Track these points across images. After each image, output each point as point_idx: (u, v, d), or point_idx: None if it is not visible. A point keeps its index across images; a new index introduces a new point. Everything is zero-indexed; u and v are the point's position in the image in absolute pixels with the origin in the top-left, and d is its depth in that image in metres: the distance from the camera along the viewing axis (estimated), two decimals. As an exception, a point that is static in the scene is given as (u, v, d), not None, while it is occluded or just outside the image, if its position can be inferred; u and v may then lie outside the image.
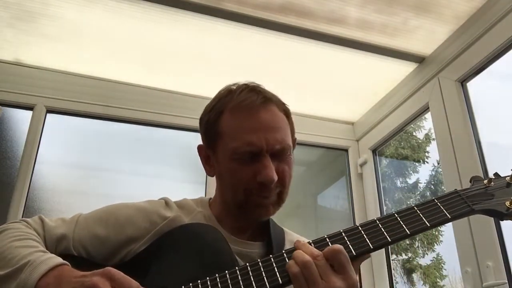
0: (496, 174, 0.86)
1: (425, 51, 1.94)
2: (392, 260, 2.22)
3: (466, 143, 1.68)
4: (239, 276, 0.74)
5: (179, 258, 0.84)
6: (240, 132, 0.89)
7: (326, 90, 2.22)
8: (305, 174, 2.50)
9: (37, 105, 1.96)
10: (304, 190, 2.45)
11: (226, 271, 0.76)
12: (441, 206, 0.78)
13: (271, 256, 0.76)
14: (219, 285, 0.74)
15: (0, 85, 1.94)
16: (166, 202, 0.97)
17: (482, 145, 1.66)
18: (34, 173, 1.86)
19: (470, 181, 0.86)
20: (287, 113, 0.96)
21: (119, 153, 2.15)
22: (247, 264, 0.76)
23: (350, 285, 0.71)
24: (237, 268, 0.76)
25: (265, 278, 0.73)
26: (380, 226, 0.79)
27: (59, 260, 0.76)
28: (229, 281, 0.74)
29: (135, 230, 0.90)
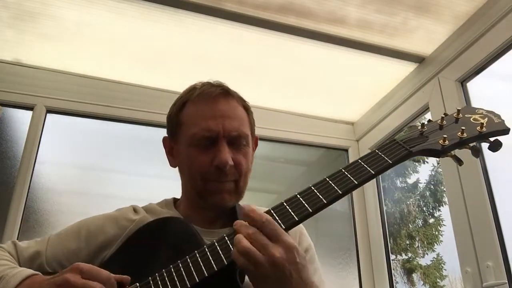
0: (429, 120, 0.92)
1: (425, 51, 1.94)
2: (392, 260, 2.22)
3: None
4: (190, 264, 0.76)
5: (148, 252, 0.86)
6: (199, 119, 0.94)
7: (326, 90, 2.22)
8: (305, 174, 2.50)
9: (37, 105, 1.96)
10: (304, 190, 2.45)
11: (179, 261, 0.78)
12: (382, 155, 0.82)
13: (215, 240, 0.78)
14: (175, 274, 0.77)
15: (0, 85, 1.94)
16: (134, 208, 1.01)
17: (482, 145, 1.66)
18: (34, 173, 1.86)
19: (407, 129, 0.90)
20: (247, 108, 1.02)
21: (119, 153, 2.14)
22: (196, 251, 0.78)
23: (287, 248, 0.71)
24: (187, 256, 0.78)
25: (212, 261, 0.75)
26: (331, 182, 0.80)
27: (31, 271, 0.81)
28: (182, 269, 0.76)
29: (106, 237, 0.94)
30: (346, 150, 2.44)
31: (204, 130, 0.93)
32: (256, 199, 2.14)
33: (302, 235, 1.05)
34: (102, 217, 1.00)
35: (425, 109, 1.97)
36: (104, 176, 2.10)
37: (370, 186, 2.26)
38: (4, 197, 1.79)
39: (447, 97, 1.81)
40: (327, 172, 0.82)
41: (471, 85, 1.77)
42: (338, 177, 0.80)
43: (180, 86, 2.39)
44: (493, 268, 1.48)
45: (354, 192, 2.32)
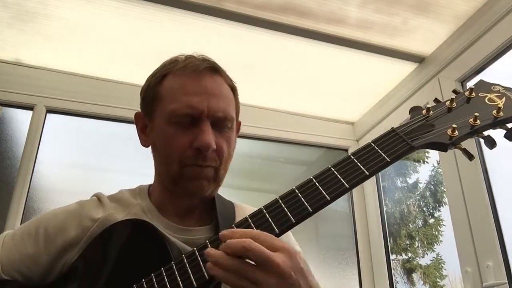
0: (436, 100, 0.78)
1: (425, 51, 1.94)
2: (392, 260, 2.22)
3: (466, 143, 1.68)
4: (165, 278, 0.69)
5: (112, 263, 0.78)
6: (181, 94, 0.83)
7: (326, 90, 2.22)
8: (305, 174, 2.49)
9: (37, 105, 1.96)
10: (304, 190, 2.45)
11: (153, 274, 0.70)
12: (378, 150, 0.70)
13: (184, 256, 0.70)
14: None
15: (0, 85, 1.94)
16: (99, 199, 0.90)
17: (482, 145, 1.66)
18: (34, 173, 1.86)
19: (409, 113, 0.77)
20: (233, 89, 0.91)
21: (119, 153, 2.14)
22: (173, 262, 0.71)
23: (289, 254, 0.62)
24: (162, 268, 0.71)
25: (191, 275, 0.67)
26: (318, 185, 0.70)
27: None
28: (155, 284, 0.69)
29: (67, 239, 0.82)
30: (346, 150, 2.44)
31: (186, 106, 0.81)
32: (256, 199, 2.13)
33: (289, 239, 0.97)
34: (62, 213, 0.87)
35: (425, 109, 1.97)
36: (104, 176, 2.10)
37: (370, 186, 2.26)
38: (4, 197, 1.79)
39: (447, 97, 1.81)
40: None
41: (471, 85, 1.77)
42: (326, 178, 0.70)
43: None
44: (493, 268, 1.48)
45: (354, 192, 2.32)
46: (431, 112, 0.74)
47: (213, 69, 0.87)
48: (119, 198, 0.91)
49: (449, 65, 1.82)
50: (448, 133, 0.71)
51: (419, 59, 1.99)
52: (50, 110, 2.00)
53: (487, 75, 1.72)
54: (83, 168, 2.07)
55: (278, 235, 0.67)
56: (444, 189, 1.84)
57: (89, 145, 2.09)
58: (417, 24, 1.78)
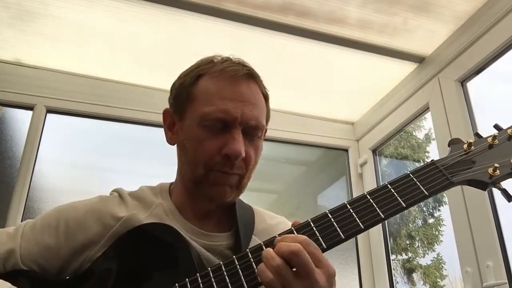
0: (477, 135, 0.78)
1: (425, 51, 1.94)
2: (392, 260, 2.22)
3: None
4: (201, 285, 0.67)
5: (135, 265, 0.77)
6: (217, 98, 0.82)
7: (326, 90, 2.22)
8: (305, 174, 2.50)
9: (37, 105, 1.96)
10: (304, 190, 2.45)
11: (187, 279, 0.69)
12: (417, 182, 0.69)
13: (234, 257, 0.69)
14: None
15: (0, 85, 1.94)
16: (120, 195, 0.89)
17: (482, 145, 1.66)
18: (34, 173, 1.86)
19: (449, 146, 0.77)
20: (266, 97, 0.91)
21: (119, 153, 2.14)
22: (209, 268, 0.69)
23: (329, 274, 0.63)
24: (198, 274, 0.69)
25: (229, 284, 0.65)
26: (352, 211, 0.69)
27: (6, 285, 0.72)
28: None
29: (88, 236, 0.82)
30: (346, 150, 2.44)
31: (220, 111, 0.80)
32: (256, 199, 2.14)
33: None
34: (83, 208, 0.86)
35: (425, 109, 1.97)
36: (104, 176, 2.10)
37: (370, 186, 2.26)
38: (4, 197, 1.79)
39: (447, 97, 1.81)
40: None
41: (471, 85, 1.77)
42: (361, 205, 0.69)
43: (180, 86, 2.38)
44: (493, 268, 1.48)
45: (354, 192, 2.32)
46: (472, 147, 0.74)
47: (251, 75, 0.87)
48: (140, 196, 0.90)
49: (449, 65, 1.82)
50: (489, 172, 0.70)
51: (419, 59, 1.99)
52: (50, 110, 2.00)
53: (487, 75, 1.72)
54: (83, 168, 2.07)
55: (324, 251, 0.67)
56: (444, 189, 1.84)
57: (89, 145, 2.10)
58: (417, 24, 1.77)
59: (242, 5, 1.68)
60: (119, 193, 0.90)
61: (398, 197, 0.68)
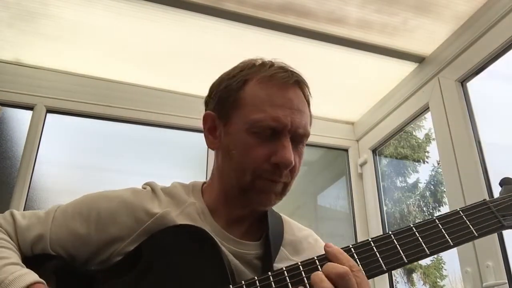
0: None
1: (425, 51, 1.94)
2: (392, 260, 2.22)
3: (466, 143, 1.68)
4: None
5: (168, 269, 0.76)
6: (267, 105, 0.81)
7: (326, 90, 2.22)
8: (305, 174, 2.50)
9: (37, 105, 1.96)
10: (304, 190, 2.45)
11: (243, 281, 0.68)
12: (466, 221, 0.68)
13: (269, 274, 0.68)
14: None
15: (0, 85, 1.94)
16: (153, 190, 0.88)
17: (482, 145, 1.66)
18: (34, 173, 1.86)
19: (500, 185, 0.76)
20: (309, 104, 0.89)
21: (119, 153, 2.14)
22: (243, 282, 0.68)
23: None
24: (256, 278, 0.68)
25: None
26: (396, 243, 0.68)
27: (30, 278, 0.69)
28: None
29: (119, 229, 0.81)
30: (346, 150, 2.44)
31: (271, 118, 0.79)
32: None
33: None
34: (115, 199, 0.84)
35: (425, 109, 1.97)
36: (104, 176, 2.10)
37: (370, 186, 2.26)
38: (4, 197, 1.79)
39: (447, 97, 1.81)
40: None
41: (471, 85, 1.77)
42: (406, 238, 0.67)
43: (180, 86, 2.41)
44: (493, 268, 1.48)
45: (354, 192, 2.32)
46: None
47: (300, 83, 0.87)
48: (173, 193, 0.88)
49: (449, 65, 1.82)
50: None
51: (419, 59, 1.99)
52: (50, 110, 2.00)
53: (487, 75, 1.72)
54: (83, 168, 2.07)
55: (383, 273, 0.67)
56: (444, 189, 1.84)
57: (89, 145, 2.10)
58: (417, 24, 1.78)
59: (242, 5, 1.68)
60: (152, 188, 0.89)
61: (445, 234, 0.67)
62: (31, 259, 0.79)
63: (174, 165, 2.20)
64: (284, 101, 0.82)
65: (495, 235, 1.51)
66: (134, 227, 0.81)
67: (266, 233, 0.87)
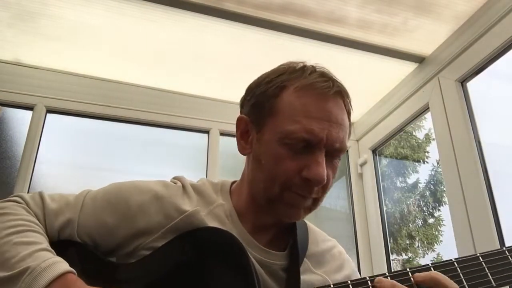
0: None
1: (425, 51, 1.94)
2: (392, 260, 2.22)
3: (466, 143, 1.68)
4: None
5: (194, 271, 0.74)
6: (302, 116, 0.76)
7: (326, 90, 2.22)
8: (305, 174, 2.49)
9: (37, 105, 1.96)
10: (304, 190, 2.45)
11: None
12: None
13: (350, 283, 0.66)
14: None
15: (0, 85, 1.94)
16: (184, 187, 0.85)
17: (482, 145, 1.66)
18: (34, 173, 1.86)
19: None
20: (349, 115, 0.86)
21: (119, 153, 2.14)
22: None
23: None
24: None
25: None
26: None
27: (63, 267, 0.67)
28: None
29: (148, 222, 0.79)
30: (346, 150, 2.44)
31: (305, 131, 0.75)
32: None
33: (353, 271, 0.93)
34: (147, 192, 0.82)
35: (425, 109, 1.97)
36: (104, 176, 2.10)
37: (370, 186, 2.26)
38: (4, 197, 1.79)
39: (447, 97, 1.81)
40: None
41: (471, 85, 1.77)
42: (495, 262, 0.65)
43: (180, 86, 2.41)
44: (493, 268, 1.48)
45: (354, 192, 2.32)
46: None
47: (341, 93, 0.83)
48: (202, 191, 0.86)
49: (449, 65, 1.82)
50: None
51: (419, 59, 1.99)
52: (50, 110, 2.00)
53: (487, 75, 1.72)
54: (83, 168, 2.07)
55: None
56: (444, 189, 1.84)
57: (89, 145, 2.10)
58: (417, 24, 1.78)
59: (242, 5, 1.68)
60: (182, 183, 0.87)
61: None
62: (56, 244, 0.77)
63: (174, 165, 2.20)
64: (322, 113, 0.77)
65: (495, 235, 1.51)
66: (162, 223, 0.79)
67: (292, 244, 0.85)
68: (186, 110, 2.15)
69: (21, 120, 1.97)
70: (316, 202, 0.80)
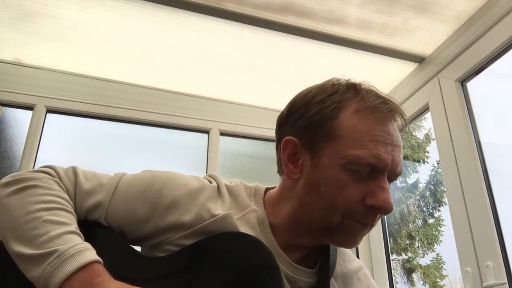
0: None
1: (425, 51, 1.94)
2: (392, 260, 2.22)
3: (466, 143, 1.68)
4: None
5: (221, 277, 0.71)
6: (368, 140, 0.73)
7: (326, 90, 2.22)
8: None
9: (37, 105, 1.96)
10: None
11: None
12: None
13: None
14: None
15: (0, 85, 1.94)
16: (218, 188, 0.82)
17: (482, 145, 1.66)
18: (34, 173, 1.86)
19: None
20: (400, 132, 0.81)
21: (119, 153, 2.15)
22: None
23: None
24: None
25: None
26: None
27: (91, 255, 0.65)
28: None
29: (178, 219, 0.76)
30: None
31: (373, 156, 0.71)
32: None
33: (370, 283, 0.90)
34: (182, 187, 0.78)
35: (425, 109, 1.97)
36: (104, 176, 2.10)
37: (370, 186, 2.26)
38: (4, 197, 1.79)
39: (447, 97, 1.81)
40: None
41: (471, 85, 1.77)
42: None
43: (180, 86, 2.40)
44: (493, 268, 1.48)
45: (354, 192, 2.32)
46: None
47: (397, 113, 0.80)
48: (236, 194, 0.83)
49: (449, 65, 1.82)
50: None
51: (419, 59, 1.99)
52: (50, 110, 2.00)
53: (487, 75, 1.72)
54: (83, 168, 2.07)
55: None
56: (444, 189, 1.84)
57: (89, 145, 2.10)
58: (417, 24, 1.78)
59: (242, 5, 1.68)
60: (217, 184, 0.82)
61: None
62: (81, 224, 0.74)
63: (174, 165, 2.20)
64: (386, 137, 0.74)
65: (495, 235, 1.51)
66: (193, 222, 0.76)
67: (322, 262, 0.82)
68: (186, 110, 2.15)
69: (21, 120, 1.97)
70: (371, 227, 0.77)
